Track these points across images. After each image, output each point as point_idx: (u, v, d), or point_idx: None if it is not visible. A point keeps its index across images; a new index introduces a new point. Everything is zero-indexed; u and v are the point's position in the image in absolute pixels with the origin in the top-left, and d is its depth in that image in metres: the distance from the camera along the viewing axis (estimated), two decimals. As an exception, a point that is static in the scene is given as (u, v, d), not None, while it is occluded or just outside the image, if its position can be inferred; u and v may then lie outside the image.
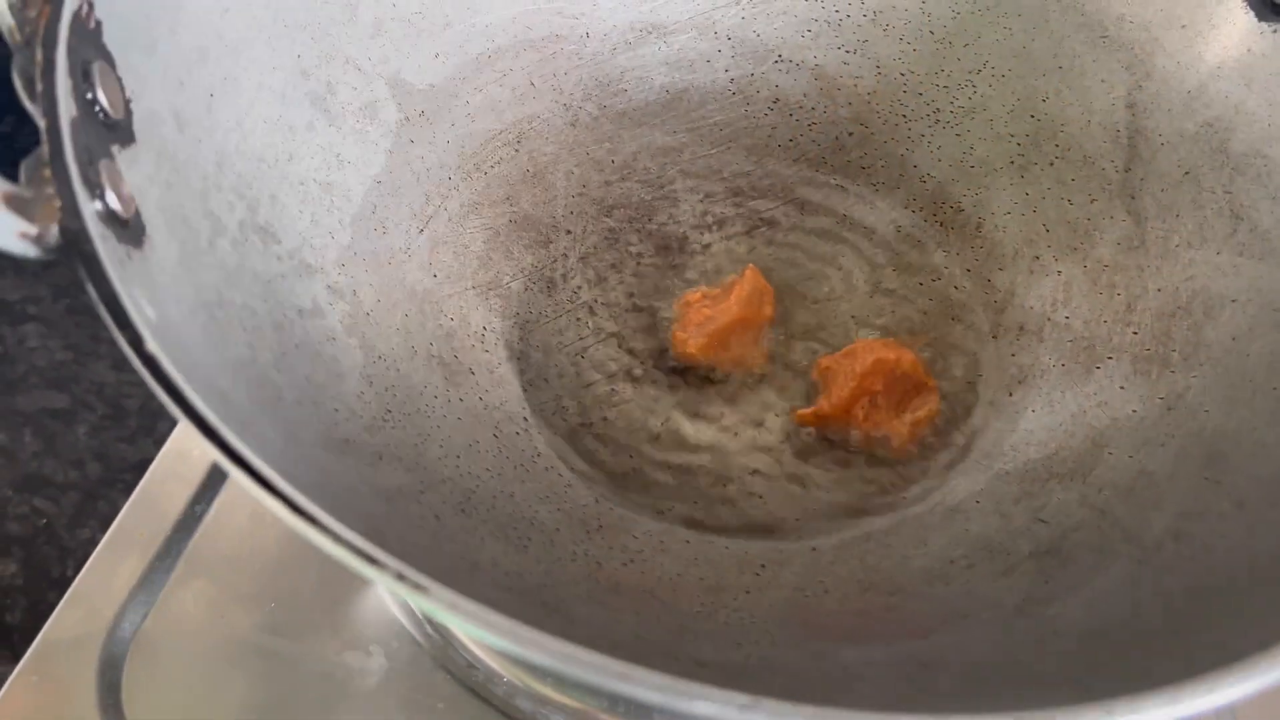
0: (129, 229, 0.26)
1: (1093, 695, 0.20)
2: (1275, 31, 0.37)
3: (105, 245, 0.24)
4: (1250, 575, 0.27)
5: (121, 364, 0.55)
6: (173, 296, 0.27)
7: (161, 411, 0.53)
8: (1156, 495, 0.32)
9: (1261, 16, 0.37)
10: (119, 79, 0.28)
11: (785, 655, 0.29)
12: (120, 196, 0.26)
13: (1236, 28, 0.38)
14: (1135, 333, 0.37)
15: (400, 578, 0.20)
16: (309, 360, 0.31)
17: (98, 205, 0.25)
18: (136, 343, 0.22)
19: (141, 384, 0.57)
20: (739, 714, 0.19)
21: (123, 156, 0.28)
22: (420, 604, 0.20)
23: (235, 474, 0.21)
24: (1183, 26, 0.39)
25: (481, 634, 0.20)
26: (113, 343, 0.56)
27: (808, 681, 0.27)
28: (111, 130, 0.27)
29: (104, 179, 0.26)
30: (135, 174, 0.28)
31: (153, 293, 0.25)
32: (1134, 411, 0.36)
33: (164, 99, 0.30)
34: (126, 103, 0.28)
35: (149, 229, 0.27)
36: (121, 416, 0.53)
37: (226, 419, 0.22)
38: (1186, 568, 0.29)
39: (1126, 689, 0.21)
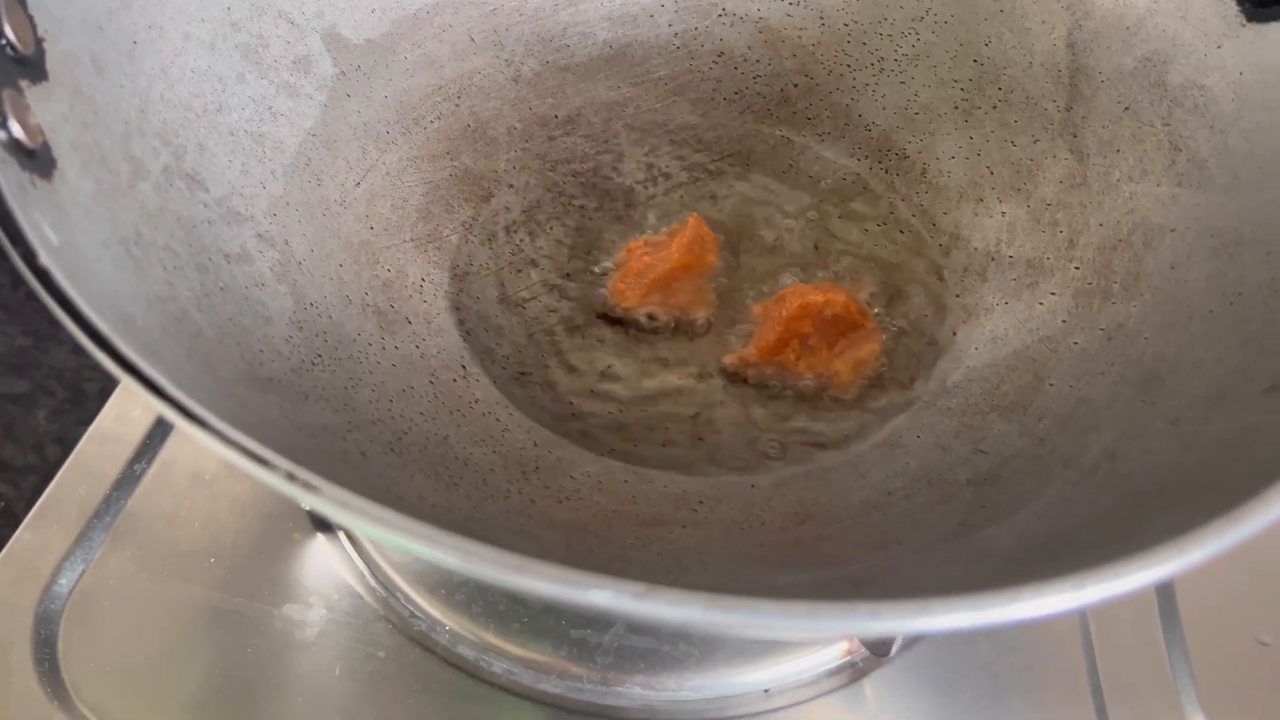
0: (35, 159, 0.26)
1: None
2: (1209, -38, 0.37)
3: (5, 170, 0.24)
4: (1179, 484, 0.27)
5: (81, 349, 0.55)
6: (83, 229, 0.27)
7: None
8: (1095, 420, 0.32)
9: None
10: (29, 16, 0.28)
11: (717, 581, 0.29)
12: (26, 127, 0.26)
13: (1171, -40, 0.38)
14: (1077, 267, 0.37)
15: (291, 477, 0.20)
16: (234, 303, 0.31)
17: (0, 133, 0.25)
18: (30, 256, 0.22)
19: (100, 368, 0.57)
20: (633, 601, 0.19)
21: (33, 92, 0.27)
22: (312, 503, 0.20)
23: (127, 380, 0.21)
24: (1119, -38, 0.39)
25: (377, 533, 0.20)
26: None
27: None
28: (20, 65, 0.27)
29: (6, 108, 0.26)
30: (47, 111, 0.28)
31: (58, 221, 0.25)
32: (1075, 343, 0.35)
33: (81, 42, 0.30)
34: (39, 41, 0.28)
35: (60, 163, 0.27)
36: (81, 400, 0.53)
37: (128, 339, 0.22)
38: (1120, 484, 0.29)
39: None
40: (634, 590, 0.19)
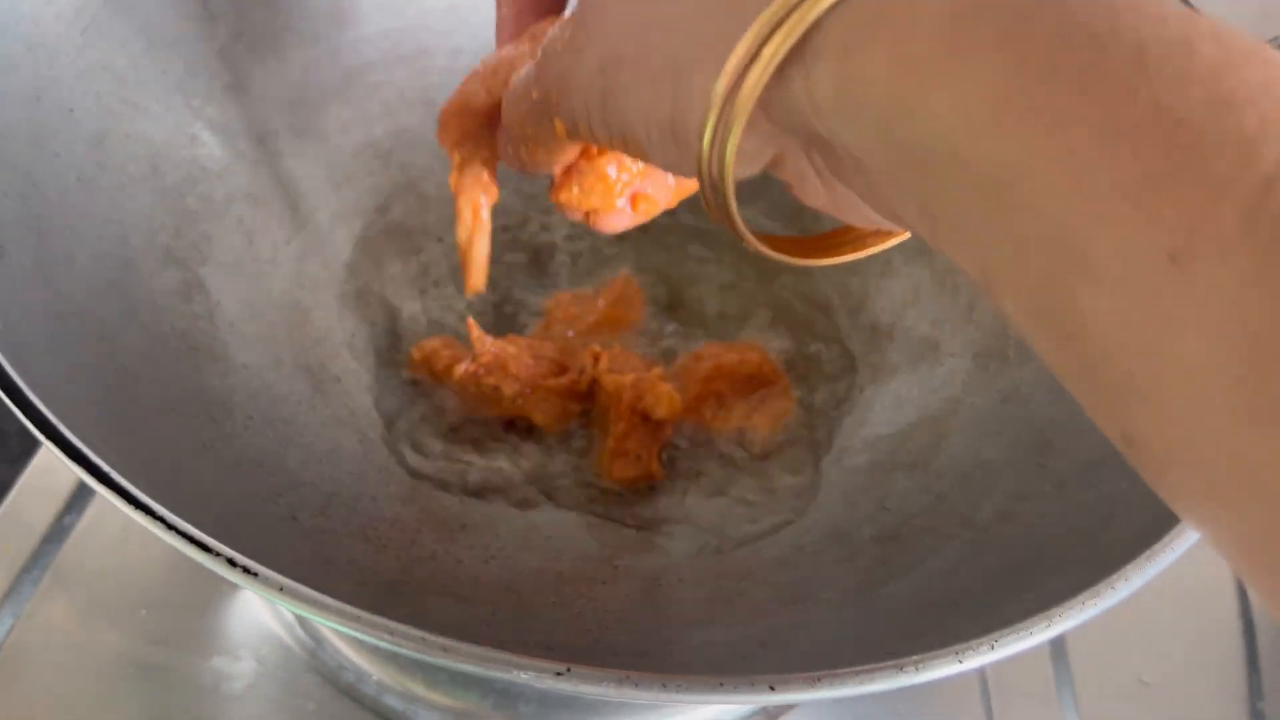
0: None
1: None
2: None
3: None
4: (1058, 550, 0.29)
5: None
6: (20, 305, 0.27)
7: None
8: (990, 481, 0.34)
9: None
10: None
11: (633, 641, 0.30)
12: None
13: None
14: (976, 331, 0.40)
15: (231, 563, 0.21)
16: (169, 368, 0.32)
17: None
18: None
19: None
20: (555, 680, 0.21)
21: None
22: (252, 589, 0.21)
23: (68, 464, 0.22)
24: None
25: (315, 617, 0.21)
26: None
27: (651, 661, 0.28)
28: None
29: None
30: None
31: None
32: (974, 404, 0.38)
33: (17, 114, 0.31)
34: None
35: (3, 242, 0.28)
36: (2, 439, 0.53)
37: (66, 417, 0.23)
38: (1009, 545, 0.31)
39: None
40: (554, 669, 0.21)
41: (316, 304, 0.39)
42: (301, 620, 0.37)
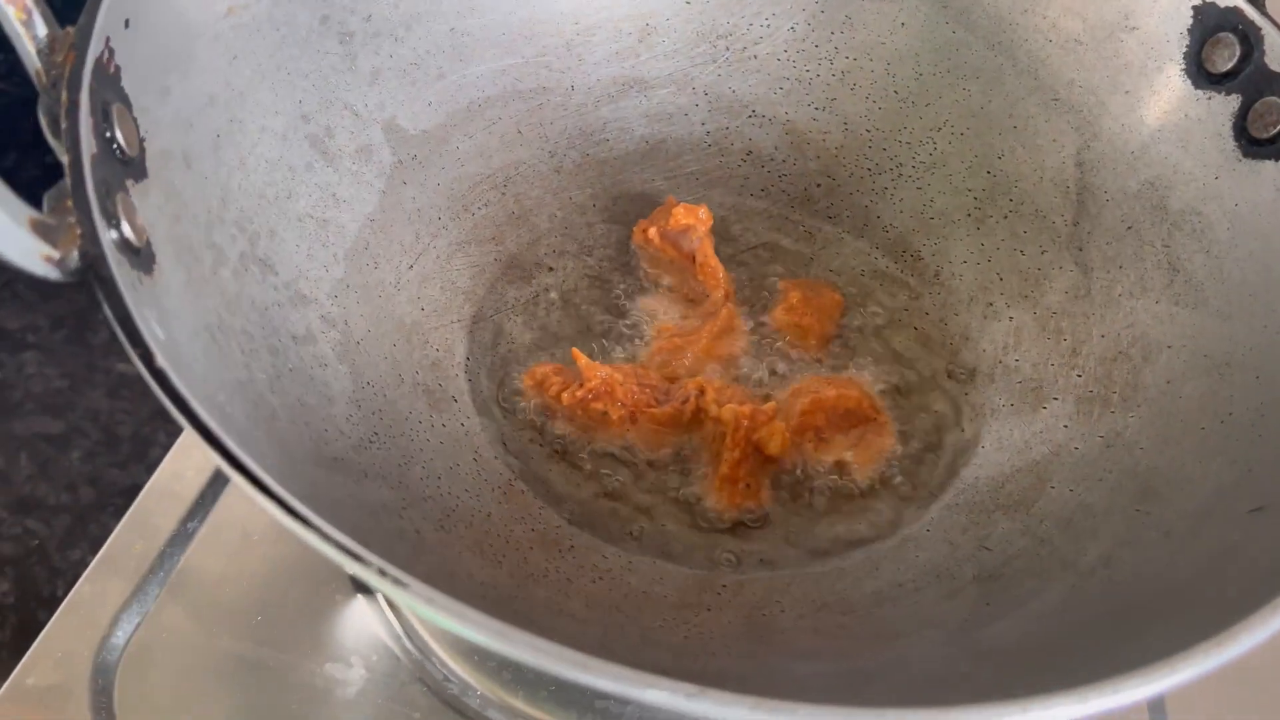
0: (140, 257, 0.28)
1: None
2: (1209, 98, 0.40)
3: (120, 270, 0.27)
4: (1167, 599, 0.29)
5: (115, 392, 0.57)
6: (177, 319, 0.29)
7: (153, 438, 0.55)
8: (1093, 526, 0.35)
9: (1198, 84, 0.40)
10: (134, 120, 0.31)
11: (740, 666, 0.31)
12: (134, 227, 0.28)
13: (1174, 94, 0.41)
14: (1079, 375, 0.40)
15: (382, 573, 0.22)
16: (302, 384, 0.34)
17: (113, 234, 0.27)
18: (148, 358, 0.24)
19: (134, 411, 0.59)
20: (686, 701, 0.21)
21: (136, 190, 0.30)
22: (400, 598, 0.22)
23: (236, 478, 0.23)
24: (1126, 92, 0.42)
25: (454, 626, 0.22)
26: (107, 371, 0.59)
27: (757, 688, 0.29)
28: (126, 166, 0.30)
29: (119, 210, 0.28)
30: (146, 207, 0.30)
31: (161, 315, 0.28)
32: (1076, 448, 0.38)
33: (174, 139, 0.33)
34: (141, 141, 0.31)
35: (158, 257, 0.30)
36: (114, 443, 0.55)
37: (226, 430, 0.24)
38: (1114, 592, 0.31)
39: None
40: (687, 691, 0.21)
41: (435, 327, 0.40)
42: (410, 632, 0.38)
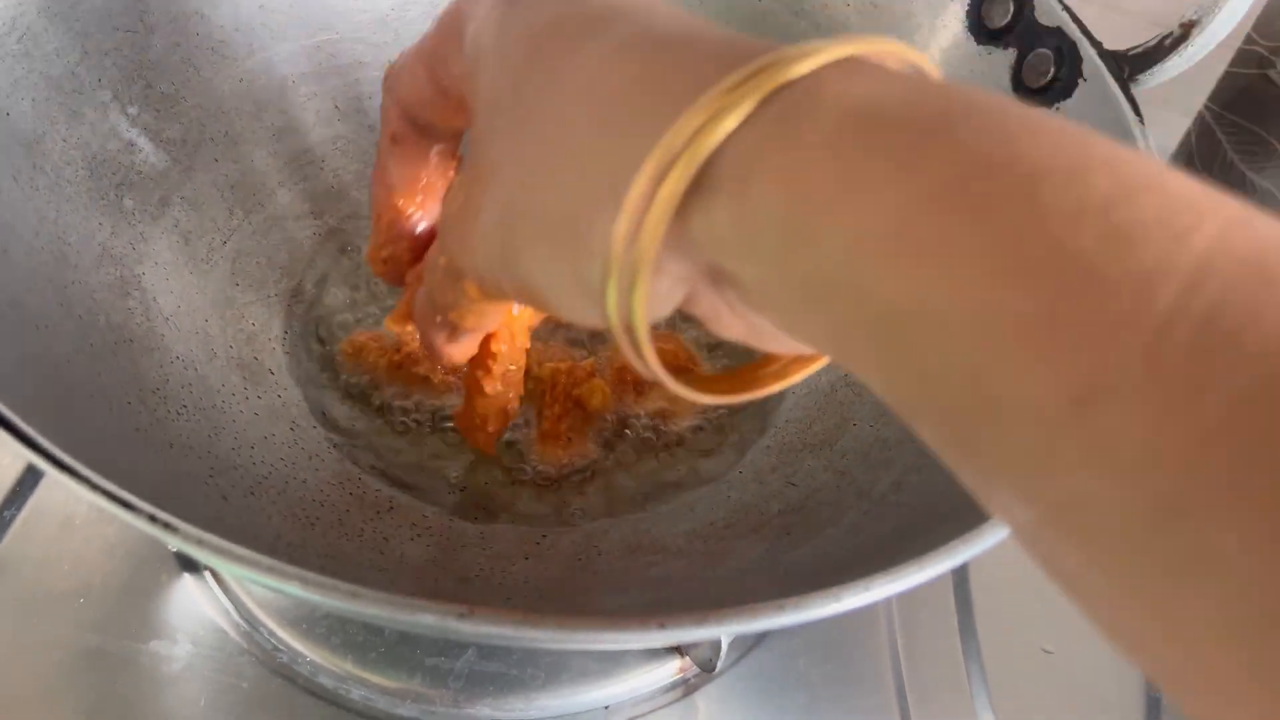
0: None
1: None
2: (990, 53, 0.42)
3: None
4: (942, 512, 0.31)
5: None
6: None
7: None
8: (888, 457, 0.37)
9: (979, 40, 0.43)
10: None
11: (549, 605, 0.32)
12: None
13: (961, 51, 0.43)
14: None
15: (152, 519, 0.22)
16: (102, 360, 0.33)
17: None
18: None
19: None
20: (457, 622, 0.22)
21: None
22: (172, 542, 0.22)
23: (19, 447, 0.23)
24: (923, 50, 0.44)
25: (231, 567, 0.23)
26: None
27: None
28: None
29: None
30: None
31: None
32: (878, 388, 0.40)
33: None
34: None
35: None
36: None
37: (12, 403, 0.24)
38: (900, 513, 0.33)
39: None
40: (458, 611, 0.22)
41: (251, 301, 0.40)
42: (237, 605, 0.38)
